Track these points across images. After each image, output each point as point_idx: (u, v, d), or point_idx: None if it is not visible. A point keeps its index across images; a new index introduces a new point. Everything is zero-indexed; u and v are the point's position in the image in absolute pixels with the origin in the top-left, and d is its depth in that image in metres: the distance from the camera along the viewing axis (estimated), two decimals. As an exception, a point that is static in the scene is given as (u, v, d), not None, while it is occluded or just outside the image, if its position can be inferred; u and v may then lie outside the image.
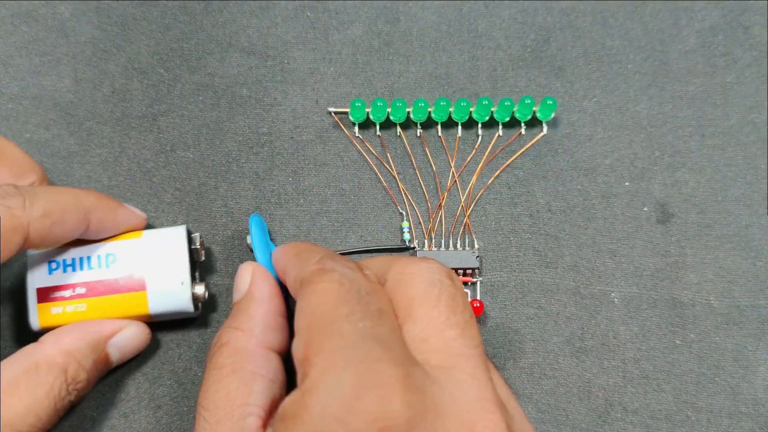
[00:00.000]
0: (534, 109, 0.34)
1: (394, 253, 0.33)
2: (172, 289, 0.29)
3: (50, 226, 0.26)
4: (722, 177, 0.34)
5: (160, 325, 0.31)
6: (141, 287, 0.29)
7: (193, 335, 0.32)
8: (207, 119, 0.34)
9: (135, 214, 0.30)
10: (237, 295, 0.28)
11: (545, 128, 0.35)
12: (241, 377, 0.25)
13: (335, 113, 0.34)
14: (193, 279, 0.30)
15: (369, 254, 0.33)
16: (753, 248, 0.34)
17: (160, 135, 0.34)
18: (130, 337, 0.29)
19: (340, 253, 0.33)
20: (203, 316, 0.32)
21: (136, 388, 0.31)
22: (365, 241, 0.33)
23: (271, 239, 0.33)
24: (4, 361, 0.26)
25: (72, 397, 0.27)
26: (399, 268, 0.25)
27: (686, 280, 0.33)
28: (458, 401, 0.21)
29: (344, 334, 0.22)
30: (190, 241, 0.30)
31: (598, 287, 0.33)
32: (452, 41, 0.36)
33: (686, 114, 0.35)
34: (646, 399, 0.32)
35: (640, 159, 0.35)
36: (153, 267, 0.29)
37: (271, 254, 0.30)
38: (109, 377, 0.31)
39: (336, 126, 0.34)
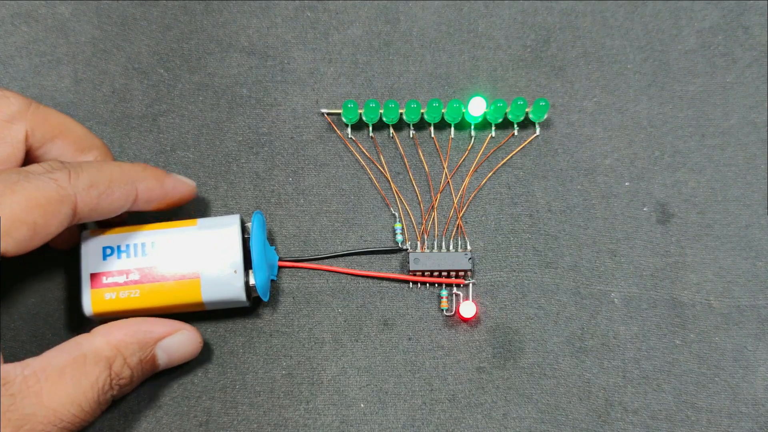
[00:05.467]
0: (527, 110, 0.34)
1: (387, 255, 0.33)
2: (226, 277, 0.29)
3: (97, 197, 0.26)
4: (722, 177, 0.34)
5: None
6: (195, 275, 0.29)
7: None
8: (207, 119, 0.34)
9: (182, 181, 0.30)
10: None
11: (538, 129, 0.34)
12: None
13: (327, 114, 0.34)
14: (247, 268, 0.30)
15: (359, 257, 0.33)
16: (753, 248, 0.34)
17: (160, 135, 0.34)
18: (181, 342, 0.29)
19: (336, 256, 0.33)
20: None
21: (136, 388, 0.31)
22: (365, 241, 0.33)
23: (269, 239, 0.33)
24: (54, 349, 0.26)
25: (114, 392, 0.27)
26: None
27: (686, 280, 0.33)
28: None
29: None
30: (244, 230, 0.30)
31: (598, 287, 0.33)
32: (452, 41, 0.36)
33: (686, 114, 0.35)
34: (646, 399, 0.32)
35: (640, 159, 0.35)
36: (207, 255, 0.29)
37: (263, 253, 0.30)
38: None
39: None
